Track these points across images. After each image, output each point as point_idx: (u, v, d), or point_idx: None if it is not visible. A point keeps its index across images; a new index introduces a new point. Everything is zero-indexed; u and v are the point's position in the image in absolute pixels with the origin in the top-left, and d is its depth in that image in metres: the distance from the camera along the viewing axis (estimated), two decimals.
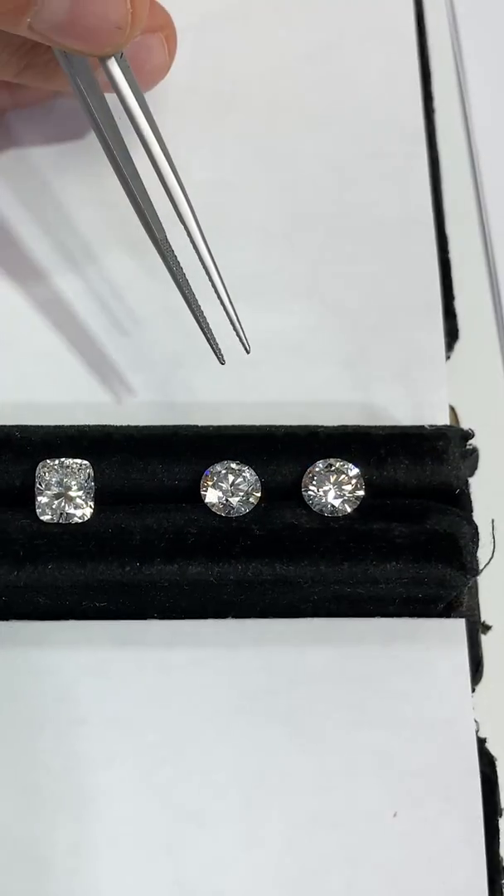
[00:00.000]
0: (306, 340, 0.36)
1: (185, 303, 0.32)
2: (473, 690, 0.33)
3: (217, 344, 0.32)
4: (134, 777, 0.31)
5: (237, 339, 0.32)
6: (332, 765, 0.31)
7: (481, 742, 0.32)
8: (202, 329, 0.32)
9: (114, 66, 0.30)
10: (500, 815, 0.32)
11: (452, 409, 0.36)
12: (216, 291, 0.31)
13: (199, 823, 0.31)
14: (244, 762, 0.31)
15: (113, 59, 0.30)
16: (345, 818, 0.31)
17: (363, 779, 0.31)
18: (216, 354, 0.32)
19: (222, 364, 0.32)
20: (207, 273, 0.31)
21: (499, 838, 0.31)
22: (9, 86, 0.37)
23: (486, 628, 0.34)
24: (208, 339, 0.32)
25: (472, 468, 0.36)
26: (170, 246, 0.32)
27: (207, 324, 0.32)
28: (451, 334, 0.37)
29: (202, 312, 0.32)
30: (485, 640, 0.34)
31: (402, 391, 0.36)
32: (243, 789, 0.31)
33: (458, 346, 0.38)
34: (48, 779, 0.31)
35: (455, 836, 0.31)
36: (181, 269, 0.32)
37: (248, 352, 0.32)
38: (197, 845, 0.30)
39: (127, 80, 0.30)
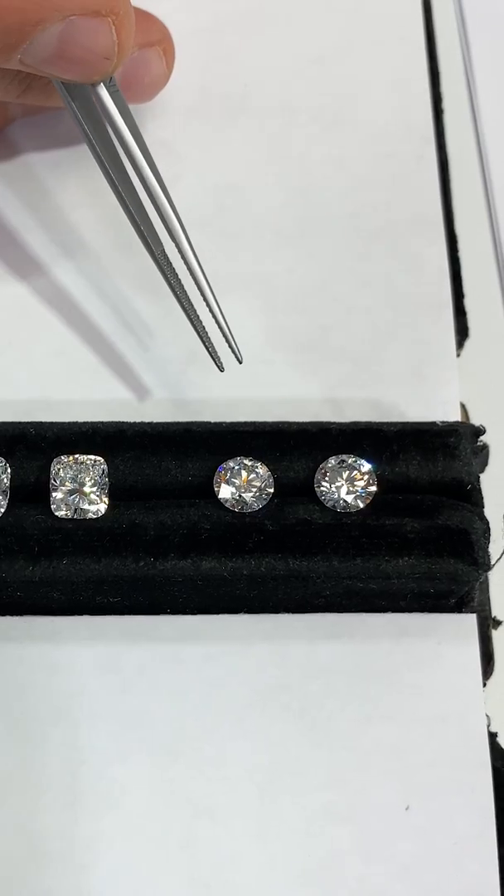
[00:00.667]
0: (318, 338, 0.37)
1: (184, 314, 0.33)
2: (485, 685, 0.33)
3: (216, 351, 0.33)
4: (147, 772, 0.31)
5: (236, 347, 0.33)
6: (344, 759, 0.32)
7: (493, 736, 0.32)
8: (201, 339, 0.33)
9: (102, 92, 0.31)
10: None
11: (463, 406, 0.36)
12: (207, 305, 0.32)
13: (213, 818, 0.31)
14: (257, 757, 0.31)
15: (101, 85, 0.31)
16: (357, 812, 0.31)
17: (375, 773, 0.31)
18: (216, 363, 0.33)
19: (222, 371, 0.33)
20: (199, 286, 0.32)
21: None
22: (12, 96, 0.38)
23: (498, 623, 0.34)
24: (207, 348, 0.33)
25: (483, 464, 0.36)
26: (168, 259, 0.32)
27: (206, 333, 0.33)
28: (462, 332, 0.38)
29: (201, 322, 0.33)
30: (496, 634, 0.34)
31: (414, 389, 0.36)
32: (256, 783, 0.31)
33: (467, 343, 0.38)
34: (62, 774, 0.31)
35: (467, 830, 0.31)
36: (179, 281, 0.33)
37: (240, 362, 0.33)
38: (210, 839, 0.31)
39: (116, 103, 0.31)
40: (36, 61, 0.30)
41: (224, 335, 0.32)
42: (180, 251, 0.32)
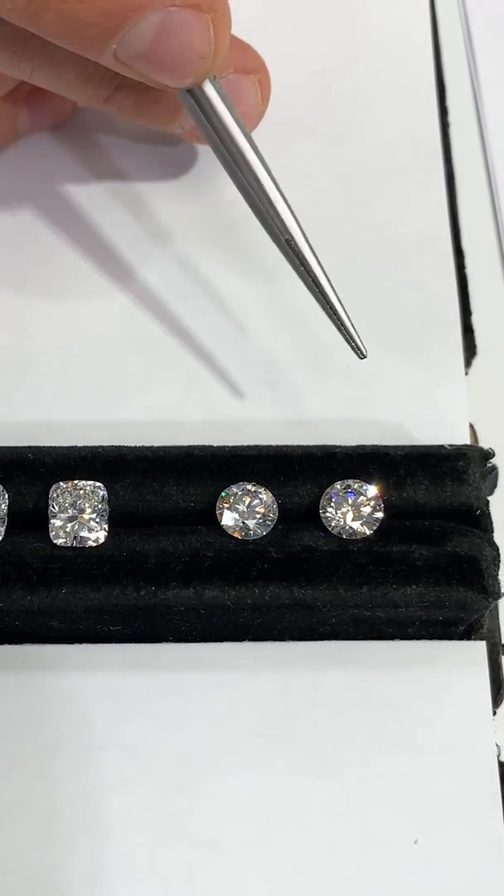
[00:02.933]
0: (323, 358, 0.36)
1: (318, 303, 0.32)
2: (494, 713, 0.32)
3: (359, 337, 0.32)
4: (150, 803, 0.30)
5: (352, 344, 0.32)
6: (351, 790, 0.31)
7: (503, 766, 0.32)
8: (338, 325, 0.32)
9: (209, 90, 0.30)
10: None
11: (471, 427, 0.36)
12: (326, 299, 0.32)
13: (217, 850, 0.30)
14: (262, 788, 0.31)
15: (208, 82, 0.30)
16: (364, 845, 0.30)
17: (382, 805, 0.31)
18: (355, 350, 0.32)
19: (362, 358, 0.32)
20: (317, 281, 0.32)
21: None
22: (29, 108, 0.37)
23: None
24: (347, 334, 0.32)
25: (492, 486, 0.35)
26: (298, 247, 0.32)
27: (348, 318, 0.32)
28: (469, 350, 0.37)
29: (343, 307, 0.32)
30: None
31: (421, 409, 0.35)
32: (261, 815, 0.30)
33: (475, 362, 0.37)
34: (63, 805, 0.30)
35: (477, 864, 0.30)
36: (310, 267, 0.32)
37: (363, 357, 0.32)
38: (214, 873, 0.30)
39: (225, 104, 0.30)
40: (130, 56, 0.29)
41: (346, 329, 0.32)
42: (297, 248, 0.32)
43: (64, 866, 0.30)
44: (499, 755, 0.32)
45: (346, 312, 0.32)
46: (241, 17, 0.42)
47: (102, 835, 0.30)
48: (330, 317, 0.32)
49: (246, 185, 0.31)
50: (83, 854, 0.30)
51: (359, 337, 0.32)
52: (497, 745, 0.32)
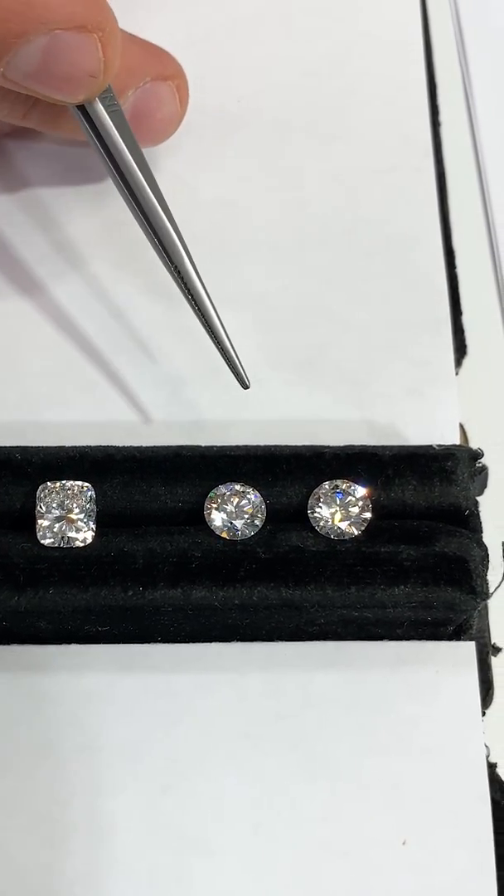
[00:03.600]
0: (314, 357, 0.36)
1: (205, 330, 0.32)
2: (484, 714, 0.32)
3: (242, 366, 0.32)
4: (140, 804, 0.30)
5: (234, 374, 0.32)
6: (340, 791, 0.31)
7: (492, 767, 0.32)
8: (222, 353, 0.32)
9: (98, 108, 0.30)
10: None
11: (461, 427, 0.36)
12: (210, 328, 0.32)
13: (207, 852, 0.30)
14: (251, 789, 0.31)
15: (98, 101, 0.30)
16: (353, 846, 0.30)
17: (372, 806, 0.31)
18: (239, 380, 0.32)
19: (246, 388, 0.32)
20: (201, 306, 0.32)
21: None
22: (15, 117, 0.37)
23: (497, 650, 0.33)
24: (230, 362, 0.32)
25: (482, 487, 0.35)
26: (188, 275, 0.32)
27: (231, 345, 0.32)
28: (460, 350, 0.37)
29: (226, 335, 0.32)
30: (495, 662, 0.33)
31: (412, 408, 0.35)
32: (251, 817, 0.30)
33: (466, 361, 0.37)
34: (53, 807, 0.30)
35: (465, 865, 0.30)
36: (201, 296, 0.32)
37: (245, 387, 0.32)
38: (204, 874, 0.30)
39: (114, 120, 0.31)
40: (19, 76, 0.29)
41: (230, 361, 0.32)
42: (181, 272, 0.31)
43: (55, 867, 0.30)
44: (488, 756, 0.32)
45: (229, 340, 0.32)
46: (233, 17, 0.42)
47: (93, 836, 0.30)
48: (215, 344, 0.32)
49: (132, 205, 0.32)
50: (74, 855, 0.30)
51: (241, 366, 0.32)
52: (486, 746, 0.32)
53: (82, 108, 0.31)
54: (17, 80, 0.29)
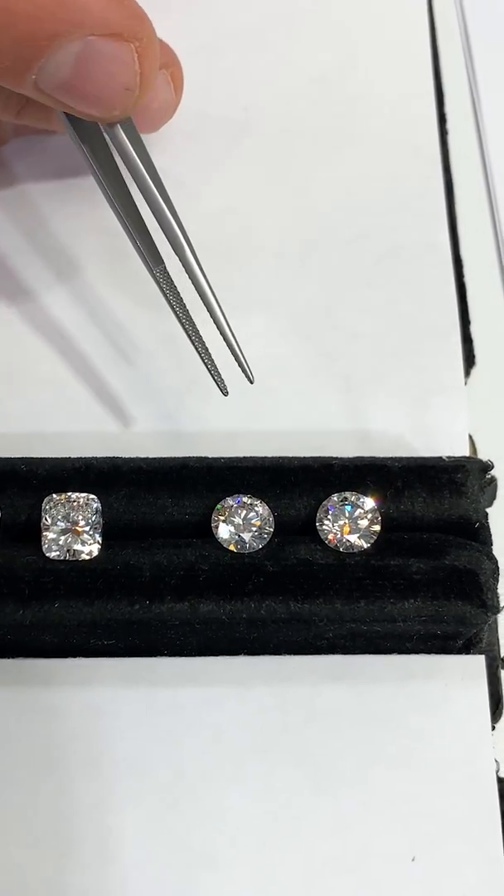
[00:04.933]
0: (321, 366, 0.36)
1: (184, 334, 0.31)
2: (493, 728, 0.32)
3: (220, 375, 0.32)
4: (145, 819, 0.30)
5: (240, 369, 0.31)
6: (348, 806, 0.30)
7: (502, 782, 0.31)
8: (202, 359, 0.31)
9: (119, 133, 0.30)
10: None
11: (470, 438, 0.35)
12: (216, 321, 0.31)
13: (213, 867, 0.30)
14: (258, 804, 0.30)
15: (118, 125, 0.29)
16: (361, 862, 0.30)
17: (380, 821, 0.30)
18: (218, 386, 0.32)
19: (225, 395, 0.32)
20: (206, 303, 0.31)
21: None
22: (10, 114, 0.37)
23: None
24: (209, 370, 0.31)
25: (491, 498, 0.35)
26: (168, 277, 0.31)
27: (209, 354, 0.31)
28: (468, 360, 0.37)
29: (203, 342, 0.31)
30: None
31: (420, 419, 0.35)
32: (257, 831, 0.30)
33: (474, 371, 0.37)
34: (58, 821, 0.30)
35: (475, 880, 0.30)
36: (180, 298, 0.31)
37: (251, 382, 0.31)
38: (210, 890, 0.30)
39: (131, 140, 0.30)
40: (51, 86, 0.28)
41: (234, 354, 0.31)
42: (188, 270, 0.31)
43: (60, 882, 0.29)
44: (498, 771, 0.31)
45: (207, 352, 0.31)
46: (239, 26, 0.42)
47: (98, 851, 0.30)
48: (197, 351, 0.31)
49: (119, 209, 0.31)
50: (79, 870, 0.30)
51: (218, 375, 0.32)
52: (496, 761, 0.31)
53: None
54: (48, 91, 0.28)
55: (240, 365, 0.31)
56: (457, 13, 0.43)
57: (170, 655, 0.32)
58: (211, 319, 0.31)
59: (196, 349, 0.31)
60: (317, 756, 0.31)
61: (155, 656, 0.32)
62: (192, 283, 0.31)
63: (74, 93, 0.28)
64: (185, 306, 0.31)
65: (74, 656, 0.31)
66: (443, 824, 0.30)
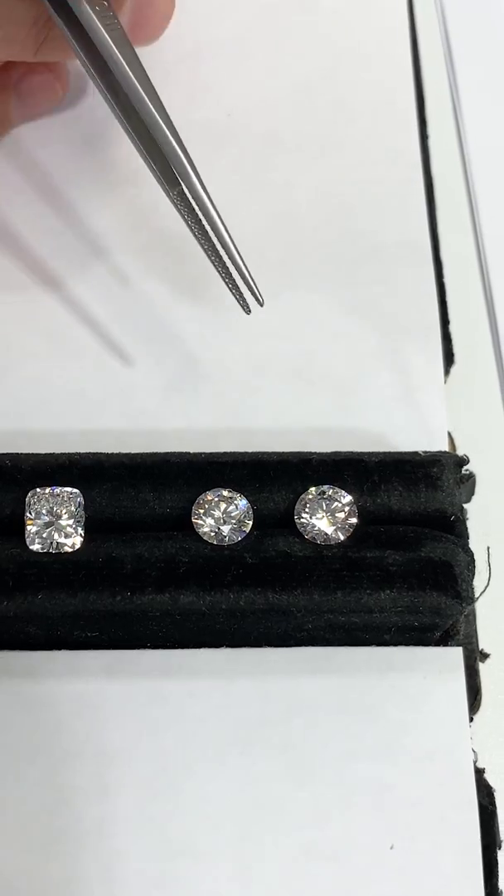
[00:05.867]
0: (303, 365, 0.36)
1: (205, 255, 0.32)
2: (472, 720, 0.32)
3: (241, 293, 0.32)
4: (127, 810, 0.30)
5: (251, 293, 0.32)
6: (327, 796, 0.31)
7: (479, 772, 0.32)
8: (224, 279, 0.32)
9: (95, 24, 0.30)
10: (500, 848, 0.31)
11: (449, 435, 0.36)
12: (224, 248, 0.32)
13: (194, 857, 0.30)
14: (239, 794, 0.31)
15: (95, 17, 0.29)
16: (341, 851, 0.30)
17: (359, 811, 0.31)
18: (240, 304, 0.32)
19: (247, 314, 0.32)
20: (214, 229, 0.31)
21: (497, 871, 0.31)
22: (18, 94, 0.37)
23: (485, 656, 0.34)
24: (230, 289, 0.32)
25: (469, 494, 0.35)
26: (186, 198, 0.32)
27: (230, 274, 0.32)
28: (448, 359, 0.37)
29: (224, 263, 0.32)
30: (483, 668, 0.33)
31: (400, 417, 0.36)
32: (238, 822, 0.30)
33: (453, 370, 0.37)
34: (40, 812, 0.30)
35: (453, 870, 0.30)
36: (199, 219, 0.32)
37: (261, 304, 0.32)
38: (190, 879, 0.30)
39: (111, 33, 0.30)
40: None
41: (244, 277, 0.32)
42: (193, 194, 0.31)
43: (40, 873, 0.30)
44: (475, 761, 0.32)
45: (228, 272, 0.32)
46: (223, 34, 0.42)
47: (79, 842, 0.30)
48: (217, 271, 0.32)
49: (133, 131, 0.31)
50: (60, 861, 0.30)
51: (239, 294, 0.32)
52: (474, 751, 0.32)
53: (82, 31, 0.30)
54: None
55: (248, 286, 0.32)
56: (438, 21, 0.44)
57: (153, 648, 0.32)
58: (219, 243, 0.32)
59: (217, 269, 0.32)
60: (297, 747, 0.31)
61: (138, 649, 0.32)
62: (198, 206, 0.31)
63: None
64: (204, 228, 0.32)
65: (59, 649, 0.32)
66: (421, 814, 0.31)
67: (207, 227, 0.32)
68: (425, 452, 0.33)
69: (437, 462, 0.32)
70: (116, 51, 0.30)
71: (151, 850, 0.30)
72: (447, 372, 0.37)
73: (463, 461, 0.33)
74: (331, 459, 0.32)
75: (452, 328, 0.38)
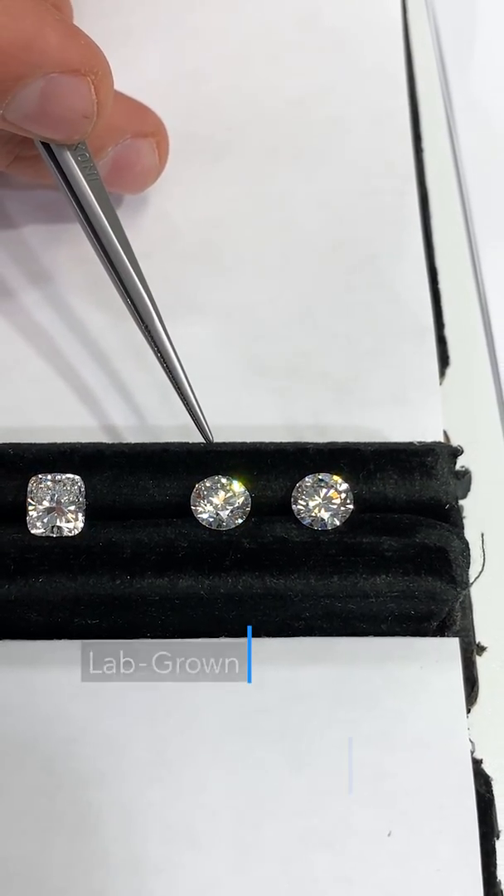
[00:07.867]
0: (300, 365, 0.37)
1: (174, 388, 0.33)
2: (469, 711, 0.33)
3: (207, 423, 0.33)
4: (126, 796, 0.31)
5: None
6: (325, 785, 0.31)
7: (477, 763, 0.32)
8: (190, 411, 0.33)
9: (71, 163, 0.32)
10: (498, 837, 0.31)
11: (445, 434, 0.36)
12: (175, 381, 0.33)
13: (192, 844, 0.30)
14: (237, 781, 0.31)
15: (66, 150, 0.32)
16: (338, 838, 0.30)
17: (357, 799, 0.31)
18: (204, 435, 0.33)
19: (212, 443, 0.33)
20: (168, 364, 0.33)
21: (495, 859, 0.31)
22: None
23: (481, 649, 0.34)
24: (195, 420, 0.33)
25: (465, 490, 0.36)
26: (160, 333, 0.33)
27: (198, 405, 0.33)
28: (443, 360, 0.38)
29: (193, 395, 0.33)
30: (480, 661, 0.34)
31: (396, 415, 0.36)
32: (236, 809, 0.31)
33: (448, 371, 0.38)
34: (40, 798, 0.30)
35: (450, 858, 0.30)
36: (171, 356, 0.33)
37: (210, 442, 0.33)
38: (188, 866, 0.30)
39: (84, 171, 0.32)
40: (18, 117, 0.31)
41: (194, 416, 0.33)
42: (150, 331, 0.33)
43: (39, 859, 0.30)
44: (473, 752, 0.32)
45: (195, 397, 0.33)
46: (223, 50, 0.44)
47: (78, 828, 0.30)
48: (182, 400, 0.33)
49: (103, 260, 0.33)
50: (59, 847, 0.30)
51: (206, 422, 0.33)
52: (471, 741, 0.32)
53: (57, 164, 0.32)
54: (16, 122, 0.31)
55: (200, 426, 0.33)
56: (431, 35, 0.45)
57: (151, 637, 0.32)
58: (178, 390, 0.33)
59: (184, 403, 0.33)
60: (295, 735, 0.31)
61: (137, 637, 0.32)
62: (160, 351, 0.33)
63: (39, 122, 0.31)
64: (178, 364, 0.33)
65: (59, 637, 0.32)
66: (419, 802, 0.31)
67: (169, 371, 0.33)
68: (419, 442, 0.33)
69: (432, 451, 0.33)
70: (93, 198, 0.32)
71: (150, 837, 0.30)
72: (442, 374, 0.38)
73: (457, 451, 0.34)
74: (327, 449, 0.33)
75: (447, 332, 0.39)
